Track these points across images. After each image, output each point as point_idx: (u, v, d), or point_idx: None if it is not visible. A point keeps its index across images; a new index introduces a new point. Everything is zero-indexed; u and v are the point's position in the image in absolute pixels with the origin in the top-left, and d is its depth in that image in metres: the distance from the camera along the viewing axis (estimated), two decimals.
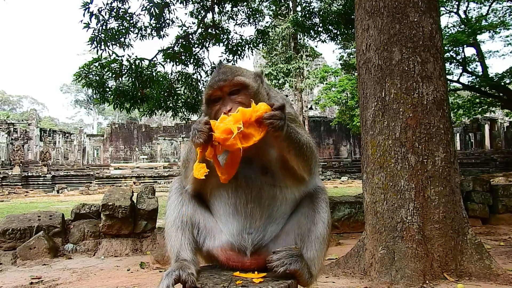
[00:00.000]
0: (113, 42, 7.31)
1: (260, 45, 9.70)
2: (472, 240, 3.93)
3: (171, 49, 8.34)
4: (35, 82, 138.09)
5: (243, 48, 8.95)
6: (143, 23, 7.86)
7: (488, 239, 6.08)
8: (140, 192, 6.42)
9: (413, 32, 4.06)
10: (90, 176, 30.86)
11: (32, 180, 29.37)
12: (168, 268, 1.68)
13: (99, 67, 7.17)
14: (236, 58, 8.92)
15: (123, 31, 7.47)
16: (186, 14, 9.11)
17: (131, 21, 7.59)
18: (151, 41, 9.09)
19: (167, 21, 8.20)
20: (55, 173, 30.69)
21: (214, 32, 8.77)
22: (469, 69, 16.64)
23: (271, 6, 21.30)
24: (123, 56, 7.26)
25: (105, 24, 7.19)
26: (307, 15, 11.18)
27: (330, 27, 10.59)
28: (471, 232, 4.00)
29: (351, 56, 24.34)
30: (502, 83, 15.93)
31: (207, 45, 8.83)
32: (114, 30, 7.33)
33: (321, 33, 11.25)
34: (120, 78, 7.33)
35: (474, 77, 16.80)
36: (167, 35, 8.35)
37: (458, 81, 16.37)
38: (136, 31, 7.77)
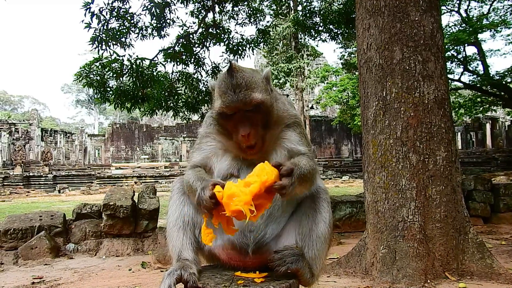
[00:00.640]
0: (114, 42, 7.31)
1: (261, 44, 9.69)
2: (474, 239, 3.92)
3: (171, 49, 8.33)
4: (36, 82, 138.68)
5: (244, 47, 8.94)
6: (144, 23, 7.87)
7: (490, 238, 6.07)
8: (141, 192, 6.43)
9: (414, 31, 4.05)
10: (91, 176, 30.88)
11: (33, 180, 29.38)
12: (170, 268, 1.68)
13: (100, 67, 7.17)
14: (237, 57, 8.91)
15: (124, 31, 7.48)
16: (186, 13, 9.12)
17: (132, 21, 7.59)
18: (152, 41, 9.08)
19: (168, 21, 8.20)
20: (56, 173, 30.71)
21: (214, 32, 8.77)
22: (470, 68, 16.61)
23: (272, 5, 21.33)
24: (124, 56, 7.26)
25: (106, 24, 7.21)
26: (308, 15, 11.18)
27: (331, 26, 10.59)
28: (473, 231, 3.99)
29: (352, 56, 24.28)
30: (504, 82, 15.92)
31: (207, 45, 8.82)
32: (115, 30, 7.34)
33: (322, 33, 11.27)
34: (121, 78, 7.33)
35: (475, 76, 16.77)
36: (168, 35, 8.35)
37: (459, 80, 16.32)
38: (137, 31, 7.78)
